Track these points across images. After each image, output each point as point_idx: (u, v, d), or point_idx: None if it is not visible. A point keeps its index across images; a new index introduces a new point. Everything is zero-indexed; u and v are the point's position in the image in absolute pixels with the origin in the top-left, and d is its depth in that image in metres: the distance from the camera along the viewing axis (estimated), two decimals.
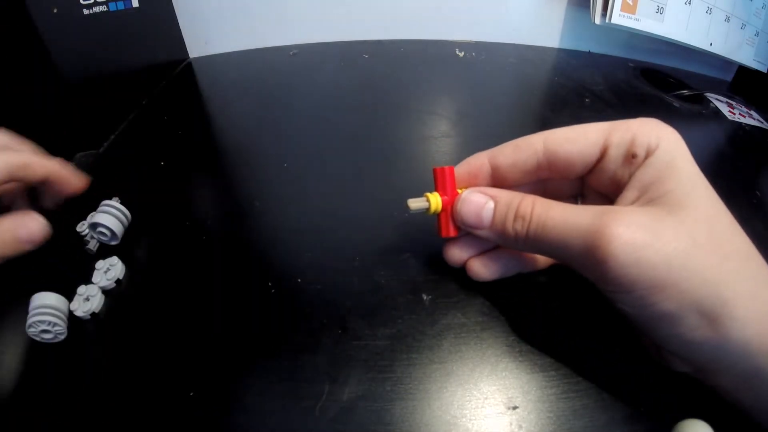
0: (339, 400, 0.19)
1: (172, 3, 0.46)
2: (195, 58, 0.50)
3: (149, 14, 0.43)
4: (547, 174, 0.22)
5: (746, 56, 0.52)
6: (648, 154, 0.19)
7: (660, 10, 0.46)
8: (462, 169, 0.23)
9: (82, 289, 0.23)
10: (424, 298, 0.24)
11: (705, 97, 0.47)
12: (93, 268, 0.25)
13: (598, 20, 0.45)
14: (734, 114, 0.45)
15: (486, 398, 0.20)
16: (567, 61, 0.51)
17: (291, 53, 0.50)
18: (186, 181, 0.33)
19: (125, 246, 0.27)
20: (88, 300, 0.23)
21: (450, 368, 0.21)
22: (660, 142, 0.19)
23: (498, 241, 0.22)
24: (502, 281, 0.24)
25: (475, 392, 0.20)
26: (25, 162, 0.23)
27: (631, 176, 0.19)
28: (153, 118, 0.40)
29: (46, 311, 0.21)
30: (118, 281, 0.25)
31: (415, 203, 0.22)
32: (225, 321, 0.23)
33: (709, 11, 0.48)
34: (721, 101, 0.47)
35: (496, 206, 0.21)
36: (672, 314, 0.17)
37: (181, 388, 0.20)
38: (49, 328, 0.21)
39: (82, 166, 0.30)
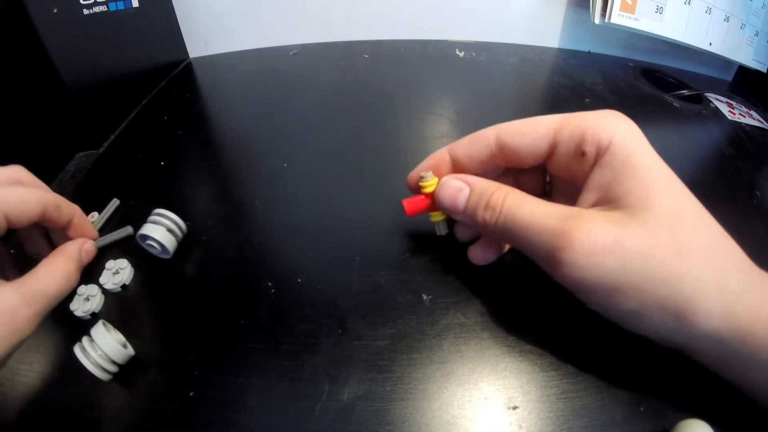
0: (339, 400, 0.20)
1: (172, 3, 0.46)
2: (195, 58, 0.50)
3: (149, 14, 0.43)
4: (503, 164, 0.22)
5: (746, 56, 0.52)
6: (600, 152, 0.19)
7: (659, 10, 0.46)
8: (426, 163, 0.24)
9: (82, 289, 0.24)
10: (424, 298, 0.24)
11: (705, 97, 0.47)
12: (103, 267, 0.25)
13: (597, 20, 0.45)
14: (734, 114, 0.45)
15: (486, 398, 0.20)
16: (567, 61, 0.51)
17: (291, 53, 0.50)
18: (186, 181, 0.33)
19: (126, 245, 0.27)
20: (88, 300, 0.23)
21: (450, 368, 0.21)
22: (613, 138, 0.19)
23: (471, 226, 0.22)
24: (502, 280, 0.24)
25: (475, 392, 0.20)
26: (57, 202, 0.22)
27: (588, 176, 0.19)
28: (153, 118, 0.40)
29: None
30: (124, 286, 0.25)
31: (435, 217, 0.25)
32: (225, 321, 0.23)
33: (708, 11, 0.48)
34: (721, 101, 0.47)
35: (470, 193, 0.21)
36: (635, 312, 0.17)
37: (181, 388, 0.20)
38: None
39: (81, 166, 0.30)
